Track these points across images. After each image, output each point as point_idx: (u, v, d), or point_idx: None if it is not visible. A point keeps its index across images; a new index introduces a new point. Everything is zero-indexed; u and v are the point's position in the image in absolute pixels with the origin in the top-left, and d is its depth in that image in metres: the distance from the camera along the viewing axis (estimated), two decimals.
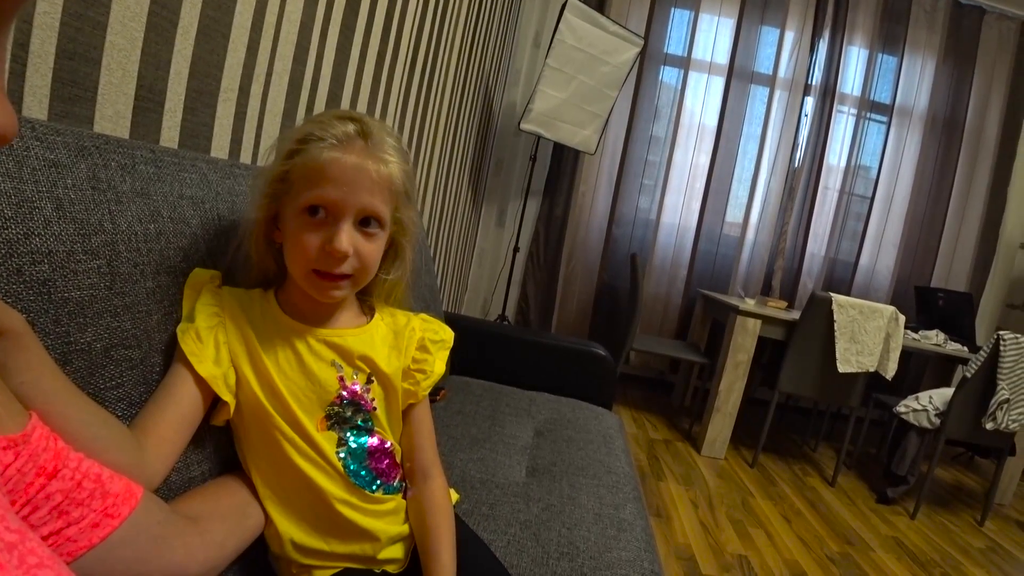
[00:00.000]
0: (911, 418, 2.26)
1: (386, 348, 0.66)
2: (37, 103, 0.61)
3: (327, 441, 0.61)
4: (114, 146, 0.55)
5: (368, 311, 0.68)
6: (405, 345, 0.67)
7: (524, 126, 2.60)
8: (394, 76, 1.55)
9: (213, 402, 0.58)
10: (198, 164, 0.67)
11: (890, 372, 2.33)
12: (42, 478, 0.37)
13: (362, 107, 1.40)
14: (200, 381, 0.55)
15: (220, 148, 0.92)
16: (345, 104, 1.31)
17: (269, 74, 1.00)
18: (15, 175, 0.44)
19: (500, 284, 3.32)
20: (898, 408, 2.33)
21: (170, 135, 0.81)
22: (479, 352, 1.67)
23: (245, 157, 0.99)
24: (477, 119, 2.71)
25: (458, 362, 1.65)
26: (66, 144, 0.49)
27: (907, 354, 2.44)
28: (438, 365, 0.69)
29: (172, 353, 0.57)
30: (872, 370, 2.33)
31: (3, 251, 0.43)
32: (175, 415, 0.53)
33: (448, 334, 0.72)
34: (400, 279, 0.67)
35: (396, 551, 0.66)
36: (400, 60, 1.57)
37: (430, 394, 0.71)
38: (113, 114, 0.71)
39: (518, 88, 3.32)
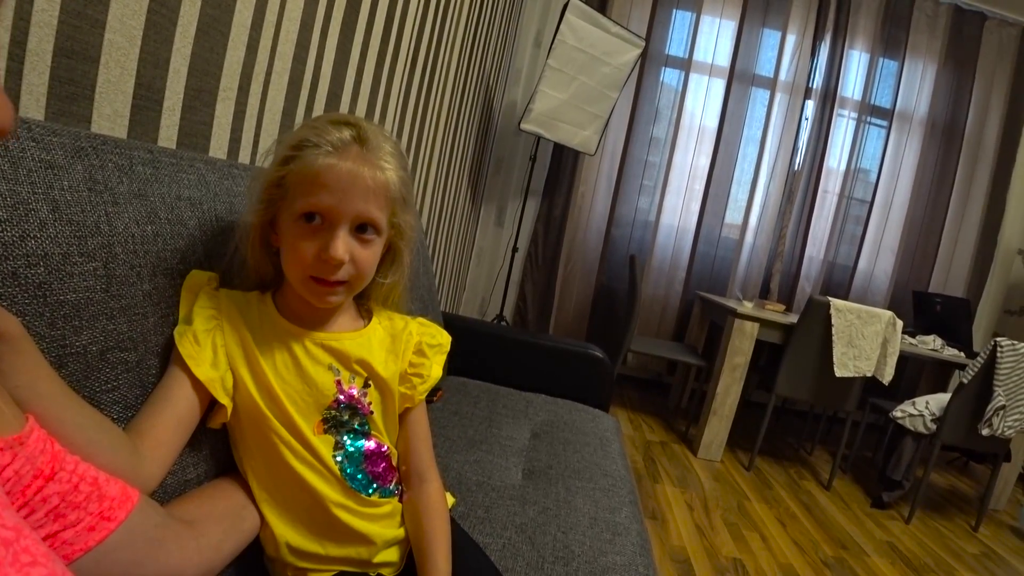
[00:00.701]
0: (907, 423, 2.27)
1: (383, 352, 0.65)
2: (35, 102, 0.61)
3: (324, 445, 0.61)
4: (111, 147, 0.55)
5: (366, 314, 0.68)
6: (402, 349, 0.67)
7: (524, 126, 2.60)
8: (394, 75, 1.55)
9: (210, 405, 0.58)
10: (196, 165, 0.66)
11: (887, 377, 2.33)
12: (39, 480, 0.37)
13: (362, 106, 1.40)
14: (197, 384, 0.55)
15: (219, 147, 0.91)
16: (345, 103, 1.31)
17: (269, 73, 1.00)
18: (11, 177, 0.44)
19: (498, 284, 3.32)
20: (894, 413, 2.33)
21: (168, 134, 0.80)
22: (476, 353, 1.67)
23: (244, 156, 0.98)
24: (477, 118, 2.71)
25: (455, 363, 1.64)
26: (63, 145, 0.49)
27: (904, 359, 2.45)
28: (435, 369, 0.69)
29: (168, 355, 0.57)
30: (869, 375, 2.33)
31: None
32: (171, 418, 0.53)
33: (445, 338, 0.72)
34: (397, 283, 0.67)
35: (391, 554, 0.66)
36: (401, 59, 1.56)
37: (427, 395, 0.71)
38: (111, 113, 0.70)
39: (519, 87, 3.32)
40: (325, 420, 0.61)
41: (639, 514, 1.02)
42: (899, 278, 3.38)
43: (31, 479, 0.37)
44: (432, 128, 2.00)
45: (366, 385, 0.64)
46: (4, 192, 0.43)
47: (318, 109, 1.19)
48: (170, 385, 0.54)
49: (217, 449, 0.63)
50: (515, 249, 3.10)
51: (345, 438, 0.62)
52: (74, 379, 0.49)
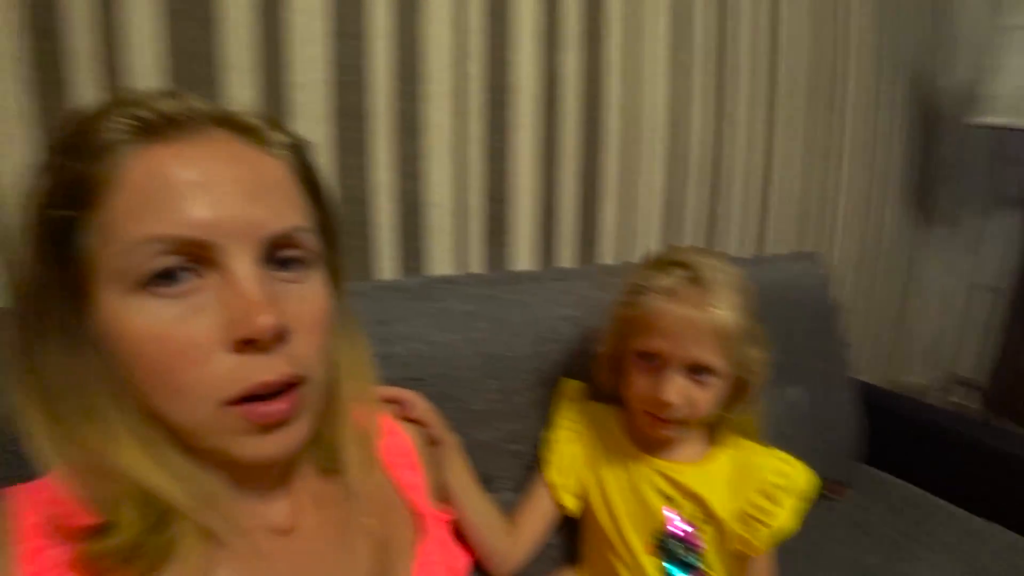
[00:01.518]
0: None
1: (723, 486, 0.62)
2: (476, 246, 0.85)
3: (652, 566, 0.62)
4: (507, 284, 0.73)
5: (712, 440, 0.66)
6: (745, 485, 0.62)
7: (981, 120, 1.91)
8: (776, 105, 1.39)
9: None
10: (577, 283, 0.79)
11: None
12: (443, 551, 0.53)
13: (745, 154, 1.31)
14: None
15: (608, 246, 1.04)
16: (728, 156, 1.25)
17: (651, 161, 1.07)
18: (445, 327, 0.64)
19: (958, 335, 2.53)
20: None
21: (567, 246, 0.98)
22: (908, 443, 1.31)
23: (633, 247, 1.09)
24: (905, 115, 2.15)
25: (877, 452, 1.34)
26: (474, 295, 0.69)
27: None
28: (784, 518, 0.60)
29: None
30: None
31: (438, 383, 0.62)
32: (536, 511, 0.66)
33: (805, 481, 0.62)
34: (748, 416, 0.63)
35: None
36: (780, 90, 1.39)
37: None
38: (522, 247, 0.92)
39: (963, 65, 2.46)
40: (656, 543, 0.62)
41: None
42: None
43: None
44: (838, 146, 1.70)
45: (702, 521, 0.62)
46: (441, 340, 0.63)
47: (699, 178, 1.19)
48: (536, 483, 0.67)
49: (570, 530, 0.72)
50: (984, 287, 2.31)
51: (673, 567, 0.62)
52: (480, 463, 0.65)
